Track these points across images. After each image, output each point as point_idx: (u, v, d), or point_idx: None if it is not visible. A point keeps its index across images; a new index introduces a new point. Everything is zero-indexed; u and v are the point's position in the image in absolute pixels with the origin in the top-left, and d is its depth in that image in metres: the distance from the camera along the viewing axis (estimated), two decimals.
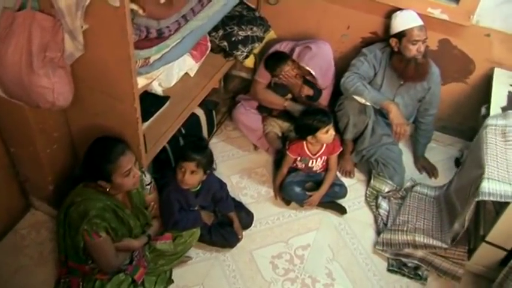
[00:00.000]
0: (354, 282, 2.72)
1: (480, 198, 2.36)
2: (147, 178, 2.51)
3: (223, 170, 3.24)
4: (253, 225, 2.92)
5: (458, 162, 3.44)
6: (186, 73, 2.92)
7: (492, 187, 2.35)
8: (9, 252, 2.65)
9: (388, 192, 3.14)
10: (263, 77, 3.27)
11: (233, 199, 2.92)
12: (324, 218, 3.05)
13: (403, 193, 3.13)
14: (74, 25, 1.87)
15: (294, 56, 3.17)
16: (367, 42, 3.30)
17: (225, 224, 2.80)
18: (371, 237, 2.96)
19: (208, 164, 2.55)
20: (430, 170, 3.39)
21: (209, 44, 3.02)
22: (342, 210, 3.06)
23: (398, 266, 2.80)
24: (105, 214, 2.22)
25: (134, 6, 1.97)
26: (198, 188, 2.64)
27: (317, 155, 2.99)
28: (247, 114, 3.35)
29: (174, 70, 2.75)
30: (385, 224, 2.97)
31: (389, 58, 3.04)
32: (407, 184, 3.20)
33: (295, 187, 3.00)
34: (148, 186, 2.52)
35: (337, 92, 3.18)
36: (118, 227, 2.30)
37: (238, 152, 3.44)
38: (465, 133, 3.48)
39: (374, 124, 3.15)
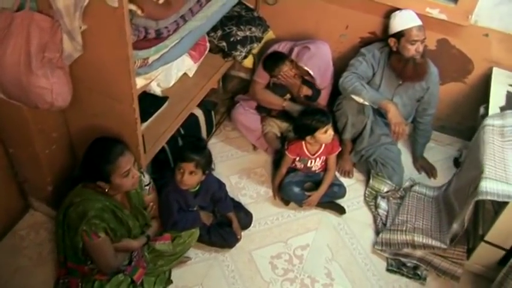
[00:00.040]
0: (353, 282, 2.72)
1: (479, 197, 2.36)
2: (146, 179, 2.51)
3: (222, 170, 3.24)
4: (252, 225, 2.92)
5: (457, 162, 3.44)
6: (185, 73, 2.92)
7: (490, 186, 2.36)
8: (8, 253, 2.65)
9: (387, 192, 3.14)
10: (262, 77, 3.27)
11: (232, 199, 2.92)
12: (323, 218, 3.05)
13: (402, 193, 3.13)
14: (72, 26, 1.87)
15: (293, 56, 3.17)
16: (365, 42, 3.30)
17: (224, 224, 2.79)
18: (370, 237, 2.96)
19: (207, 164, 2.54)
20: (429, 170, 3.39)
21: (208, 45, 3.02)
22: (341, 210, 3.07)
23: (397, 266, 2.80)
24: (104, 215, 2.22)
25: (133, 7, 1.97)
26: (197, 188, 2.63)
27: (316, 155, 2.99)
28: (246, 114, 3.35)
29: (173, 70, 2.75)
30: (384, 224, 2.97)
31: (388, 58, 3.04)
32: (406, 184, 3.20)
33: (294, 187, 3.00)
34: (147, 187, 2.52)
35: (336, 92, 3.17)
36: (117, 228, 2.30)
37: (237, 152, 3.44)
38: (464, 133, 3.49)
39: (373, 124, 3.15)
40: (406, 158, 3.40)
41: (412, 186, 3.16)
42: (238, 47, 3.15)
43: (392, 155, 3.21)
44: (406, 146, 3.52)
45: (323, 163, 3.06)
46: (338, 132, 3.16)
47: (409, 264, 2.79)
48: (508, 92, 2.93)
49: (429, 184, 3.24)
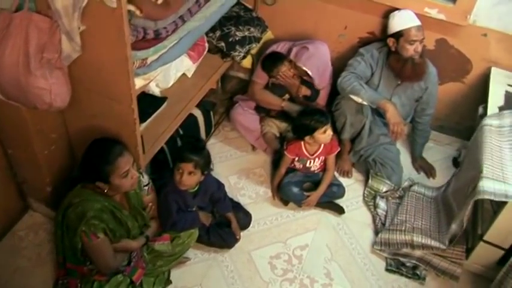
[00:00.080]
0: (352, 282, 2.72)
1: (477, 197, 2.36)
2: (145, 179, 2.51)
3: (221, 170, 3.24)
4: (251, 225, 2.92)
5: (456, 161, 3.44)
6: (184, 74, 2.92)
7: (487, 186, 2.36)
8: (7, 254, 2.64)
9: (386, 192, 3.14)
10: (260, 77, 3.27)
11: (231, 200, 2.92)
12: (322, 218, 3.05)
13: (401, 193, 3.13)
14: (71, 26, 1.87)
15: (291, 57, 3.18)
16: (364, 42, 3.30)
17: (223, 224, 2.79)
18: (369, 237, 2.96)
19: (205, 164, 2.54)
20: (428, 170, 3.39)
21: (206, 45, 3.03)
22: (340, 210, 3.07)
23: (396, 266, 2.80)
24: (103, 215, 2.22)
25: (131, 7, 1.97)
26: (196, 188, 2.63)
27: (315, 155, 2.99)
28: (245, 114, 3.35)
29: (172, 71, 2.75)
30: (383, 224, 2.97)
31: (387, 58, 3.04)
32: (405, 184, 3.20)
33: (293, 187, 3.00)
34: (146, 187, 2.52)
35: (335, 92, 3.17)
36: (116, 228, 2.30)
37: (236, 152, 3.44)
38: (463, 133, 3.49)
39: (371, 124, 3.15)
40: (405, 158, 3.40)
41: (411, 186, 3.16)
42: (237, 47, 3.15)
43: (391, 155, 3.21)
44: (405, 146, 3.52)
45: (322, 163, 3.06)
46: (337, 132, 3.16)
47: (408, 264, 2.80)
48: (506, 91, 2.93)
49: (428, 184, 3.25)
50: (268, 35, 3.49)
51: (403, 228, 2.81)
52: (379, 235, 2.87)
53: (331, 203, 3.09)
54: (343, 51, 3.46)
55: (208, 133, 3.42)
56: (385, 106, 2.87)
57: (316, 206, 3.07)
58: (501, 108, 2.78)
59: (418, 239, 2.73)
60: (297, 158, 3.01)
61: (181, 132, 2.99)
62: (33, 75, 1.90)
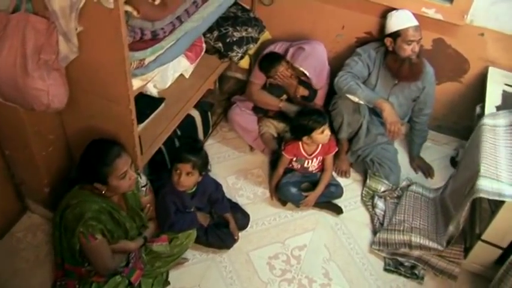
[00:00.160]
0: (351, 282, 2.72)
1: (474, 196, 2.37)
2: (143, 180, 2.51)
3: (219, 171, 3.24)
4: (249, 226, 2.92)
5: (453, 161, 3.45)
6: (181, 74, 2.92)
7: (483, 184, 2.37)
8: (6, 255, 2.64)
9: (384, 191, 3.14)
10: (258, 78, 3.27)
11: (229, 200, 2.92)
12: (320, 218, 3.05)
13: (399, 192, 3.14)
14: (68, 27, 1.87)
15: (288, 57, 3.18)
16: (361, 42, 3.30)
17: (221, 225, 2.79)
18: (367, 237, 2.96)
19: (203, 165, 2.54)
20: (426, 170, 3.39)
21: (204, 45, 3.02)
22: (338, 210, 3.07)
23: (395, 266, 2.80)
24: (100, 216, 2.22)
25: (128, 8, 1.96)
26: (194, 189, 2.63)
27: (313, 156, 3.00)
28: (242, 115, 3.35)
29: (169, 71, 2.75)
30: (382, 224, 2.98)
31: (384, 58, 3.05)
32: (403, 183, 3.20)
33: (291, 188, 3.00)
34: (144, 188, 2.52)
35: (332, 92, 3.18)
36: (114, 229, 2.30)
37: (234, 153, 3.44)
38: (460, 132, 3.49)
39: (369, 124, 3.16)
40: (402, 158, 3.40)
41: (409, 185, 3.16)
42: (235, 47, 3.15)
43: (389, 155, 3.21)
44: (403, 146, 3.52)
45: (320, 163, 3.06)
46: (334, 131, 3.16)
47: (406, 264, 2.80)
48: (503, 91, 2.94)
49: (426, 184, 3.25)
50: (266, 35, 3.49)
51: (402, 228, 2.81)
52: (378, 235, 2.88)
53: (329, 203, 3.09)
54: (340, 51, 3.46)
55: (206, 134, 3.42)
56: (381, 105, 2.87)
57: (315, 206, 3.07)
58: (498, 108, 2.79)
59: (416, 239, 2.73)
60: (295, 159, 3.01)
61: (179, 133, 2.99)
62: (30, 76, 1.90)
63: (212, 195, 2.75)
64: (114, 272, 2.32)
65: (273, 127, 3.32)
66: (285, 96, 3.28)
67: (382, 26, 3.09)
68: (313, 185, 3.05)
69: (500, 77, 3.04)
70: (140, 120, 2.47)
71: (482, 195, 2.35)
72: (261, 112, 3.36)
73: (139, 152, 2.42)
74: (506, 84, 2.98)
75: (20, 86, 1.92)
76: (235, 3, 3.28)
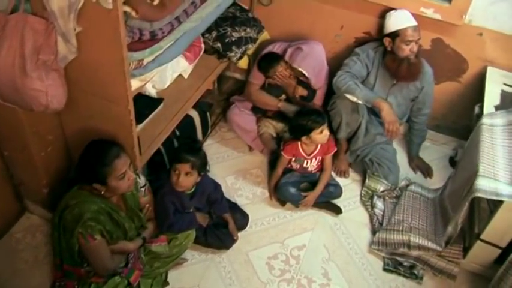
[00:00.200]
0: (350, 282, 2.72)
1: (473, 195, 2.37)
2: (142, 180, 2.51)
3: (218, 171, 3.24)
4: (248, 226, 2.92)
5: (452, 161, 3.45)
6: (180, 75, 2.92)
7: (481, 184, 2.37)
8: (5, 256, 2.64)
9: (383, 191, 3.14)
10: (257, 78, 3.27)
11: (228, 200, 2.92)
12: (319, 218, 3.05)
13: (398, 192, 3.14)
14: (66, 28, 1.87)
15: (286, 58, 3.18)
16: (360, 42, 3.30)
17: (220, 225, 2.79)
18: (366, 237, 2.96)
19: (202, 165, 2.54)
20: (425, 170, 3.40)
21: (203, 46, 3.02)
22: (337, 210, 3.07)
23: (394, 265, 2.80)
24: (99, 217, 2.22)
25: (127, 9, 1.96)
26: (193, 190, 2.63)
27: (312, 156, 3.00)
28: (241, 115, 3.35)
29: (168, 72, 2.75)
30: (381, 224, 2.98)
31: (382, 58, 3.05)
32: (402, 183, 3.20)
33: (290, 188, 3.00)
34: (143, 189, 2.52)
35: (331, 92, 3.18)
36: (113, 230, 2.30)
37: (233, 153, 3.44)
38: (459, 132, 3.50)
39: (367, 123, 3.16)
40: (401, 158, 3.40)
41: (408, 185, 3.16)
42: (233, 48, 3.15)
43: (388, 155, 3.22)
44: (402, 146, 3.53)
45: (319, 163, 3.06)
46: (333, 131, 3.16)
47: (405, 264, 2.80)
48: (502, 90, 2.94)
49: (425, 184, 3.25)
50: (265, 35, 3.49)
51: (401, 228, 2.81)
52: (377, 235, 2.88)
53: (328, 203, 3.09)
54: (339, 51, 3.47)
55: (205, 134, 3.42)
56: (380, 105, 2.87)
57: (314, 206, 3.07)
58: (497, 107, 2.80)
59: (415, 239, 2.73)
60: (293, 159, 3.01)
61: (178, 133, 2.99)
62: (29, 77, 1.90)
63: (211, 196, 2.75)
64: (113, 272, 2.31)
65: (271, 127, 3.32)
66: (283, 96, 3.28)
67: (381, 26, 3.09)
68: (312, 185, 3.05)
69: (499, 77, 3.04)
70: (139, 120, 2.47)
71: (479, 194, 2.35)
72: (259, 112, 3.36)
73: (138, 152, 2.42)
74: (505, 84, 2.99)
75: (18, 87, 1.91)
76: (234, 4, 3.28)
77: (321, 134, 2.85)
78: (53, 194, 2.64)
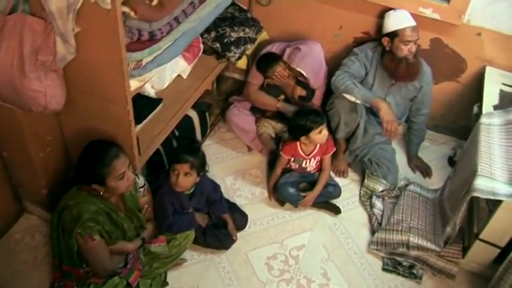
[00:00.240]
0: (349, 281, 2.72)
1: (471, 194, 2.37)
2: (141, 181, 2.51)
3: (217, 171, 3.24)
4: (247, 226, 2.92)
5: (451, 160, 3.45)
6: (179, 75, 2.92)
7: (479, 183, 2.37)
8: (4, 257, 2.63)
9: (382, 191, 3.14)
10: (256, 78, 3.28)
11: (227, 201, 2.92)
12: (319, 218, 3.05)
13: (397, 192, 3.14)
14: (65, 28, 1.87)
15: (285, 58, 3.18)
16: (359, 42, 3.30)
17: (220, 225, 2.79)
18: (366, 237, 2.96)
19: (201, 165, 2.54)
20: (424, 170, 3.40)
21: (201, 46, 3.02)
22: (336, 210, 3.07)
23: (393, 265, 2.80)
24: (98, 217, 2.22)
25: (126, 9, 1.96)
26: (192, 190, 2.63)
27: (311, 156, 3.00)
28: (240, 115, 3.35)
29: (167, 72, 2.75)
30: (380, 224, 2.98)
31: (381, 57, 3.05)
32: (401, 183, 3.20)
33: (289, 188, 3.00)
34: (142, 189, 2.52)
35: (330, 92, 3.18)
36: (112, 230, 2.30)
37: (232, 153, 3.43)
38: (458, 132, 3.50)
39: (366, 123, 3.16)
40: (400, 158, 3.40)
41: (407, 185, 3.16)
42: (232, 48, 3.15)
43: (386, 155, 3.22)
44: (401, 146, 3.53)
45: (318, 163, 3.06)
46: (331, 131, 3.16)
47: (404, 264, 2.80)
48: (501, 90, 2.94)
49: (424, 184, 3.25)
50: (263, 35, 3.49)
51: (400, 228, 2.81)
52: (376, 235, 2.88)
53: (327, 203, 3.09)
54: (338, 51, 3.47)
55: (204, 134, 3.42)
56: (378, 104, 2.86)
57: (313, 206, 3.07)
58: (496, 107, 2.80)
59: (414, 239, 2.73)
60: (292, 159, 3.01)
61: (176, 133, 2.99)
62: (27, 77, 1.90)
63: (210, 196, 2.74)
64: (112, 273, 2.31)
65: (270, 127, 3.32)
66: (282, 97, 3.28)
67: (380, 26, 3.09)
68: (311, 185, 3.05)
69: (498, 77, 3.04)
70: (138, 121, 2.47)
71: (476, 194, 2.35)
72: (258, 112, 3.35)
73: (137, 152, 2.42)
74: (504, 84, 2.99)
75: (17, 87, 1.91)
76: (233, 4, 3.27)
77: (320, 134, 2.85)
78: (51, 195, 2.64)
